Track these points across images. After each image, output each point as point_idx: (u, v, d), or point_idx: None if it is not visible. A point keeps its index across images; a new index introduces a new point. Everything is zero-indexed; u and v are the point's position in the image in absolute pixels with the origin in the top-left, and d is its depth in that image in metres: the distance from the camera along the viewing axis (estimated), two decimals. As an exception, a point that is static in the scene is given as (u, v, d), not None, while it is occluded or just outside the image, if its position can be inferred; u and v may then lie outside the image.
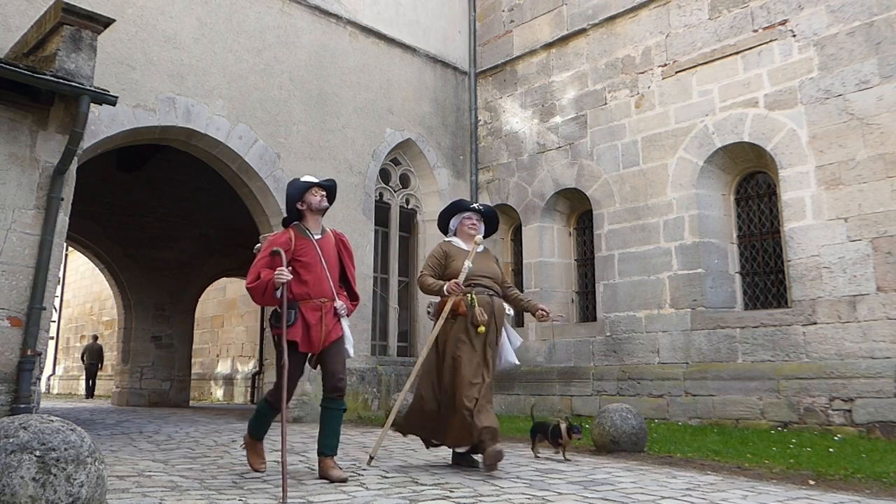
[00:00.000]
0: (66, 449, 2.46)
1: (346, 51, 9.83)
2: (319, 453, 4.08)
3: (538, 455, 5.35)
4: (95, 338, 19.23)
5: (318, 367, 4.24)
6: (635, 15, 9.34)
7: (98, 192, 12.35)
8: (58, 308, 21.98)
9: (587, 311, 9.81)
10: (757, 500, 3.64)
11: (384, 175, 10.43)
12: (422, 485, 3.90)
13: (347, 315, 4.30)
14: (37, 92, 5.20)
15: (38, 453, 2.40)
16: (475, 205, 5.02)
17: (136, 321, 13.21)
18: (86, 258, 14.91)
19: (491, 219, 5.11)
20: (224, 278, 15.58)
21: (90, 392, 18.40)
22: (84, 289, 21.73)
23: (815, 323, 7.18)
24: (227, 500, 3.39)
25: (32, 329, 5.03)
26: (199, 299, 14.78)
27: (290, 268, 4.09)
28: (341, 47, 9.79)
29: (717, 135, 8.25)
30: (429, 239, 10.70)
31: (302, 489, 3.71)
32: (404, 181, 10.76)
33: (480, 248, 4.80)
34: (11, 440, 2.41)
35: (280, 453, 3.69)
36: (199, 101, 8.17)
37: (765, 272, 8.14)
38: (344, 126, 9.64)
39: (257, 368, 15.59)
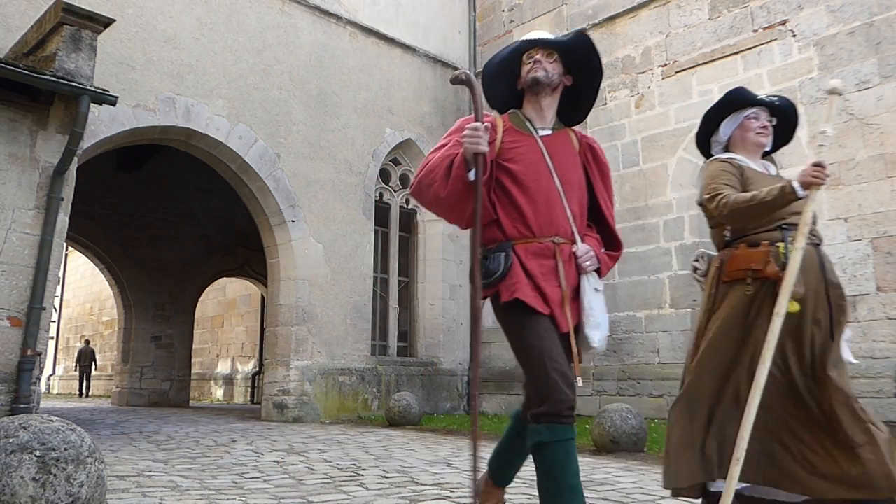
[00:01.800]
0: (66, 449, 2.46)
1: (346, 51, 9.83)
2: None
3: None
4: (87, 342, 19.82)
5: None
6: (635, 15, 9.34)
7: (98, 192, 12.35)
8: (58, 308, 22.00)
9: (587, 311, 9.80)
10: (757, 500, 3.62)
11: (384, 175, 10.44)
12: (422, 485, 3.89)
13: (601, 271, 2.43)
14: (37, 92, 5.21)
15: (38, 453, 2.40)
16: (763, 96, 3.03)
17: (136, 321, 13.21)
18: (86, 258, 14.92)
19: (788, 119, 3.11)
20: (224, 278, 15.59)
21: (84, 392, 18.96)
22: (84, 289, 21.74)
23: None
24: (227, 500, 3.39)
25: (32, 329, 5.04)
26: (199, 299, 14.78)
27: (495, 179, 2.41)
28: (341, 47, 9.79)
29: (717, 135, 8.25)
30: (428, 239, 10.71)
31: (302, 489, 3.71)
32: (404, 181, 10.76)
33: (773, 170, 3.03)
34: (11, 440, 2.41)
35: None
36: (199, 101, 8.17)
37: (765, 272, 8.14)
38: (344, 126, 9.64)
39: (257, 368, 15.60)
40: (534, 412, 2.19)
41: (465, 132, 2.28)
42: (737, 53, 8.22)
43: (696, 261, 2.99)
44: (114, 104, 5.73)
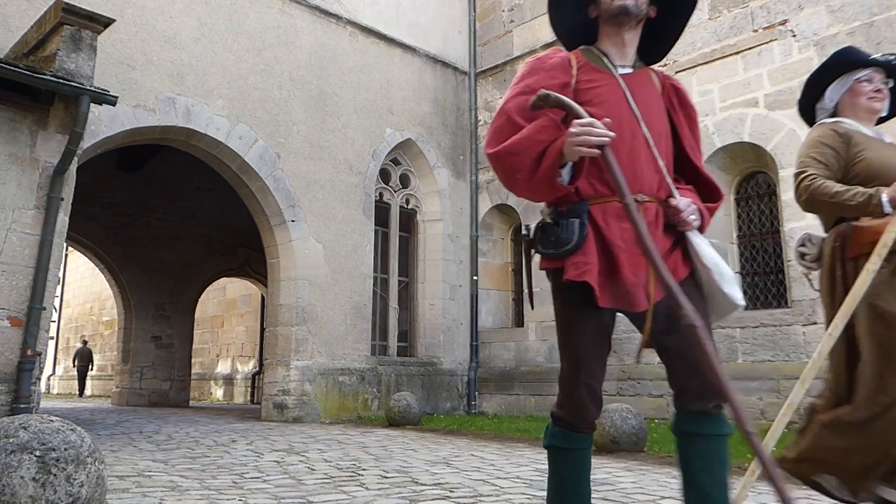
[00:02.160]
0: (66, 449, 2.46)
1: (346, 51, 9.84)
2: None
3: None
4: (85, 342, 19.92)
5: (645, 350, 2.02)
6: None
7: (98, 192, 12.36)
8: (58, 308, 22.01)
9: (587, 311, 9.81)
10: (757, 500, 3.63)
11: (384, 175, 10.44)
12: (422, 485, 3.89)
13: (701, 227, 2.03)
14: (37, 92, 5.21)
15: (38, 453, 2.40)
16: (877, 56, 2.72)
17: (136, 321, 13.22)
18: (86, 258, 14.93)
19: None
20: (224, 278, 15.60)
21: (81, 391, 19.17)
22: (84, 289, 21.75)
23: (816, 323, 7.17)
24: (227, 500, 3.38)
25: (32, 329, 5.04)
26: (199, 299, 14.79)
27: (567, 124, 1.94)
28: (341, 47, 9.80)
29: (717, 135, 8.25)
30: (428, 239, 10.71)
31: (302, 489, 3.71)
32: (404, 181, 10.76)
33: (888, 137, 2.69)
34: (11, 440, 2.41)
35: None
36: (199, 101, 8.17)
37: (765, 272, 8.14)
38: (344, 126, 9.64)
39: (257, 368, 15.60)
40: (554, 412, 2.08)
41: (575, 128, 1.82)
42: (737, 53, 8.22)
43: (803, 245, 2.68)
44: (114, 104, 5.73)
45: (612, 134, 1.83)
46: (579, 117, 1.86)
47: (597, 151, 1.83)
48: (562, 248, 1.93)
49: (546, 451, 2.11)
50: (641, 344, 1.99)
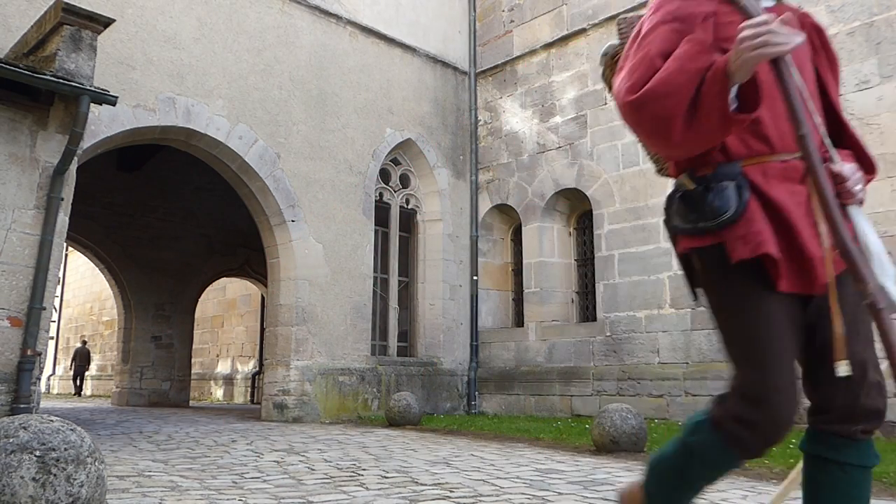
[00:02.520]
0: (66, 449, 2.46)
1: (346, 51, 9.84)
2: None
3: None
4: (85, 342, 20.00)
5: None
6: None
7: (98, 192, 12.36)
8: (58, 308, 22.02)
9: (587, 311, 9.81)
10: (757, 501, 3.63)
11: (384, 175, 10.44)
12: (422, 485, 3.89)
13: (860, 198, 1.63)
14: (37, 92, 5.22)
15: (38, 453, 2.40)
16: None
17: (136, 321, 13.22)
18: (86, 258, 14.93)
19: None
20: (224, 278, 15.60)
21: (78, 391, 19.39)
22: (84, 289, 21.75)
23: (815, 323, 7.18)
24: (227, 500, 3.39)
25: (32, 329, 5.04)
26: (199, 299, 14.79)
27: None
28: (341, 47, 9.80)
29: (717, 135, 8.25)
30: (428, 239, 10.71)
31: (302, 489, 3.71)
32: (404, 181, 10.76)
33: None
34: (11, 440, 2.41)
35: None
36: (199, 101, 8.17)
37: (765, 272, 8.14)
38: (344, 126, 9.65)
39: (257, 368, 15.60)
40: (726, 424, 1.56)
41: (749, 30, 1.42)
42: (737, 53, 8.22)
43: None
44: (114, 104, 5.73)
45: (801, 36, 1.45)
46: (752, 16, 1.48)
47: (784, 50, 1.43)
48: (718, 217, 1.54)
49: (682, 444, 1.68)
50: (838, 343, 1.48)
